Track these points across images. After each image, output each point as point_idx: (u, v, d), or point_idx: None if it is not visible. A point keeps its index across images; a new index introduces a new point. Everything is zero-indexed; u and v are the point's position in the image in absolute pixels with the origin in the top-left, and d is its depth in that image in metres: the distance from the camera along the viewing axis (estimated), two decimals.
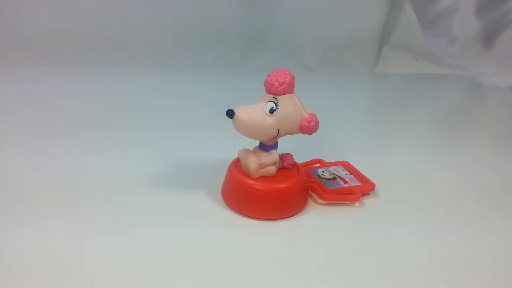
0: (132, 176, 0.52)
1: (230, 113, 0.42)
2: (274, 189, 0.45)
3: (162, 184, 0.51)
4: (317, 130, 0.45)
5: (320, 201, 0.49)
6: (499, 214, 0.50)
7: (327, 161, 0.56)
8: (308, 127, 0.44)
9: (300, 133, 0.45)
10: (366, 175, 0.52)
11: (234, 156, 0.48)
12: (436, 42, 1.28)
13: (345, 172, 0.53)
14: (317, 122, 0.44)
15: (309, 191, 0.50)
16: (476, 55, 1.23)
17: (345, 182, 0.51)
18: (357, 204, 0.49)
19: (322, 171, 0.53)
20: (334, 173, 0.53)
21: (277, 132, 0.44)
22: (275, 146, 0.46)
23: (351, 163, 0.55)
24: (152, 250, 0.40)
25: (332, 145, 0.65)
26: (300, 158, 0.51)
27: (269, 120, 0.43)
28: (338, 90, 1.02)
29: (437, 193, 0.53)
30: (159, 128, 0.67)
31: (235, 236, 0.43)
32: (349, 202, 0.49)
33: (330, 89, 1.03)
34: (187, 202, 0.47)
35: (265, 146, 0.45)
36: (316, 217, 0.47)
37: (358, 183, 0.51)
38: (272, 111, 0.43)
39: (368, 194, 0.51)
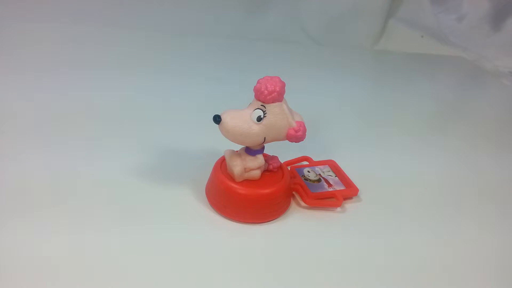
0: (114, 170, 0.51)
1: (217, 119, 0.42)
2: (257, 194, 0.45)
3: (146, 179, 0.50)
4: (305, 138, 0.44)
5: (302, 203, 0.49)
6: (486, 215, 0.52)
7: (316, 158, 0.56)
8: (295, 137, 0.43)
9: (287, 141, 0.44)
10: (350, 176, 0.53)
11: (223, 148, 0.47)
12: (444, 18, 1.24)
13: (331, 173, 0.53)
14: (304, 131, 0.44)
15: (293, 192, 0.50)
16: (483, 36, 1.19)
17: (329, 185, 0.51)
18: (338, 208, 0.50)
19: (308, 171, 0.53)
20: (320, 174, 0.53)
21: (263, 139, 0.43)
22: (261, 150, 0.46)
23: (340, 156, 0.56)
24: (132, 249, 0.41)
25: (322, 136, 0.65)
26: (289, 151, 0.50)
27: (256, 128, 0.42)
28: (336, 68, 1.00)
29: (421, 194, 0.54)
30: (147, 117, 0.66)
31: (215, 238, 0.44)
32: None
33: (327, 67, 1.01)
34: (171, 199, 0.48)
35: (251, 151, 0.45)
36: (297, 221, 0.47)
37: (342, 187, 0.51)
38: (259, 119, 0.42)
39: (351, 198, 0.52)
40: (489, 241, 0.48)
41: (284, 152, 0.49)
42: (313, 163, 0.55)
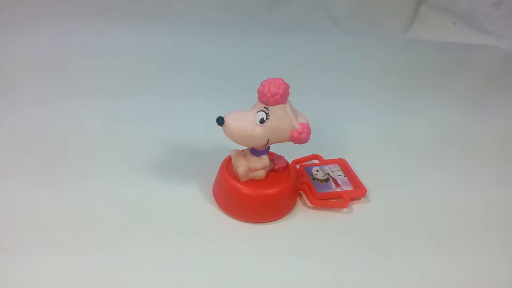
0: (122, 167, 0.53)
1: (220, 121, 0.42)
2: (261, 195, 0.46)
3: (154, 177, 0.52)
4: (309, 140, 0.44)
5: (309, 203, 0.49)
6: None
7: (331, 156, 0.56)
8: (299, 139, 0.43)
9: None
10: (362, 176, 0.52)
11: (233, 146, 0.47)
12: (479, 4, 1.18)
13: (340, 172, 0.53)
14: (308, 133, 0.43)
15: (300, 191, 0.51)
16: None
17: (337, 185, 0.51)
18: (345, 209, 0.49)
19: (317, 170, 0.53)
20: (328, 174, 0.53)
21: (266, 141, 0.44)
22: (265, 151, 0.46)
23: (355, 154, 0.56)
24: (138, 246, 0.42)
25: (339, 133, 0.64)
26: (302, 148, 0.49)
27: (259, 130, 0.43)
28: (362, 58, 0.98)
29: (435, 204, 0.53)
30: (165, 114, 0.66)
31: (219, 236, 0.45)
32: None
33: (354, 56, 0.99)
34: (179, 198, 0.49)
35: (256, 151, 0.46)
36: (302, 221, 0.48)
37: (350, 187, 0.51)
38: (262, 121, 0.42)
39: (359, 198, 0.51)
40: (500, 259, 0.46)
41: (296, 149, 0.49)
42: (323, 162, 0.55)
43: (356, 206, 0.50)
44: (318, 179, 0.51)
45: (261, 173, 0.46)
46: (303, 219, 0.48)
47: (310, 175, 0.52)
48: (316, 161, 0.55)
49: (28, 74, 0.72)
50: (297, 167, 0.54)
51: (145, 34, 0.95)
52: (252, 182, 0.46)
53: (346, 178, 0.52)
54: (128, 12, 1.02)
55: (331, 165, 0.54)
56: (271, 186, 0.46)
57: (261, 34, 1.04)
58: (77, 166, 0.52)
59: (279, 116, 0.42)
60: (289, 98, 0.44)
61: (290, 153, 0.51)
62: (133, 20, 1.00)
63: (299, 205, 0.50)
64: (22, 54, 0.79)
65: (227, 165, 0.48)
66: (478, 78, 0.93)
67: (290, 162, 0.53)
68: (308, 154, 0.55)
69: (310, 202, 0.49)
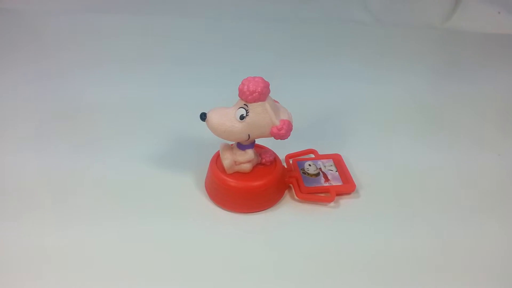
0: (115, 160, 0.56)
1: (203, 117, 0.45)
2: (246, 187, 0.48)
3: (149, 169, 0.55)
4: (289, 136, 0.46)
5: (296, 197, 0.51)
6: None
7: (323, 151, 0.57)
8: (278, 135, 0.45)
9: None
10: (357, 172, 0.53)
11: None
12: None
13: (332, 168, 0.54)
14: (288, 130, 0.45)
15: (290, 185, 0.52)
16: None
17: (327, 180, 0.52)
18: (332, 204, 0.50)
19: (309, 165, 0.54)
20: (320, 168, 0.54)
21: (247, 136, 0.46)
22: (250, 146, 0.48)
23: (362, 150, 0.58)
24: (133, 238, 0.46)
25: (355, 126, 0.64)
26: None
27: (239, 126, 0.45)
28: (400, 50, 0.95)
29: (426, 199, 0.52)
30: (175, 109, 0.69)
31: (205, 225, 0.48)
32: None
33: (390, 48, 0.96)
34: (172, 190, 0.52)
35: (242, 145, 0.48)
36: (287, 214, 0.49)
37: (339, 183, 0.52)
38: (242, 117, 0.45)
39: (348, 194, 0.52)
40: (488, 241, 0.46)
41: (295, 143, 0.51)
42: (318, 157, 0.56)
43: (344, 201, 0.51)
44: (308, 174, 0.53)
45: (246, 166, 0.49)
46: (288, 212, 0.50)
47: (301, 169, 0.53)
48: (312, 156, 0.57)
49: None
50: (291, 161, 0.55)
51: (146, 24, 1.00)
52: (239, 174, 0.49)
53: (337, 173, 0.53)
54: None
55: (324, 160, 0.55)
56: (257, 178, 0.48)
57: (295, 26, 1.05)
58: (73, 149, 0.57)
59: (259, 113, 0.45)
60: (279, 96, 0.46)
61: (289, 147, 0.53)
62: (130, 11, 1.04)
63: (287, 198, 0.52)
64: None
65: (217, 158, 0.51)
66: None
67: (286, 156, 0.55)
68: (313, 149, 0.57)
69: (297, 195, 0.50)
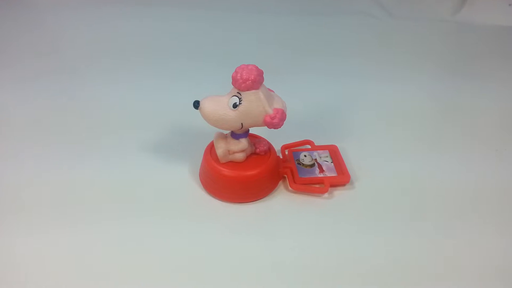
0: (114, 152, 0.56)
1: (196, 104, 0.45)
2: (239, 176, 0.48)
3: (146, 160, 0.55)
4: (282, 126, 0.45)
5: (290, 188, 0.51)
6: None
7: (320, 142, 0.56)
8: (271, 124, 0.45)
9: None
10: (354, 164, 0.53)
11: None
12: None
13: (328, 159, 0.53)
14: (281, 118, 0.45)
15: (285, 176, 0.52)
16: None
17: (321, 171, 0.52)
18: (325, 195, 0.50)
19: (305, 156, 0.54)
20: (316, 159, 0.53)
21: (240, 125, 0.46)
22: (244, 135, 0.48)
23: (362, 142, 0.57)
24: (132, 228, 0.46)
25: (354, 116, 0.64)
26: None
27: (232, 114, 0.45)
28: (409, 42, 0.94)
29: (420, 195, 0.51)
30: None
31: (199, 216, 0.48)
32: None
33: (401, 40, 0.95)
34: (168, 176, 0.52)
35: (235, 135, 0.48)
36: (281, 204, 0.49)
37: (334, 174, 0.51)
38: (235, 105, 0.44)
39: (343, 185, 0.51)
40: (481, 240, 0.45)
41: (294, 134, 0.50)
42: (314, 147, 0.55)
43: (338, 192, 0.51)
44: (303, 164, 0.52)
45: (240, 156, 0.48)
46: (282, 202, 0.49)
47: (297, 160, 0.53)
48: (308, 146, 0.56)
49: None
50: (286, 152, 0.55)
51: (142, 16, 0.99)
52: (233, 164, 0.49)
53: (332, 164, 0.53)
54: None
55: (320, 151, 0.55)
56: (250, 168, 0.48)
57: (304, 18, 1.04)
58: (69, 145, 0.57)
59: (252, 101, 0.44)
60: (266, 84, 0.45)
61: (287, 138, 0.53)
62: (124, 2, 1.03)
63: (281, 188, 0.51)
64: None
65: (211, 147, 0.51)
66: None
67: (282, 146, 0.55)
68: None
69: (290, 186, 0.50)
